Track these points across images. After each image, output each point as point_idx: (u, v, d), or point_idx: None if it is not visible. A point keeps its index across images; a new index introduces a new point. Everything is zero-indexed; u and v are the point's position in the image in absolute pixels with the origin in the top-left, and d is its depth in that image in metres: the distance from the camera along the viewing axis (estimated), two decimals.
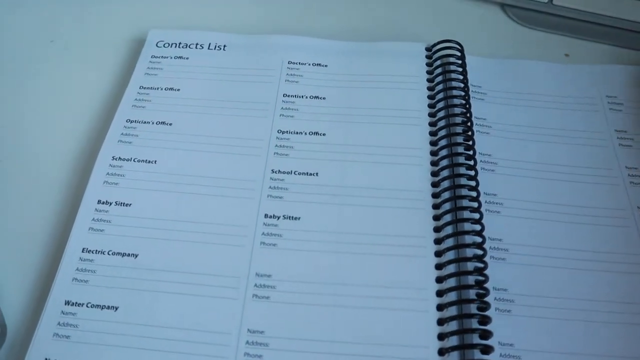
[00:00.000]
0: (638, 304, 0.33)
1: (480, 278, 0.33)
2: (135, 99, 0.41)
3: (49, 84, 0.43)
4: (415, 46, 0.43)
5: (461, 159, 0.37)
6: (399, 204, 0.36)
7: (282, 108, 0.40)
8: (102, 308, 0.32)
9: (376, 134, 0.39)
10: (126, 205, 0.36)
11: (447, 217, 0.35)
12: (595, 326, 0.32)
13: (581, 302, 0.33)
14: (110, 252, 0.34)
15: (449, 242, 0.34)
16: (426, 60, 0.43)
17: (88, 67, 0.44)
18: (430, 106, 0.40)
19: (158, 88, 0.41)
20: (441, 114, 0.39)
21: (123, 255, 0.34)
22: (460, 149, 0.37)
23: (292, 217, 0.35)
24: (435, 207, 0.36)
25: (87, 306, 0.32)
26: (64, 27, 0.47)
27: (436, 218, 0.35)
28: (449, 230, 0.34)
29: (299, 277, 0.33)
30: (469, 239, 0.34)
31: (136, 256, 0.34)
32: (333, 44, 0.44)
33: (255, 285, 0.33)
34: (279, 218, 0.35)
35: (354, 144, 0.38)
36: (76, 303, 0.32)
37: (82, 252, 0.34)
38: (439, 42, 0.43)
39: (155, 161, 0.38)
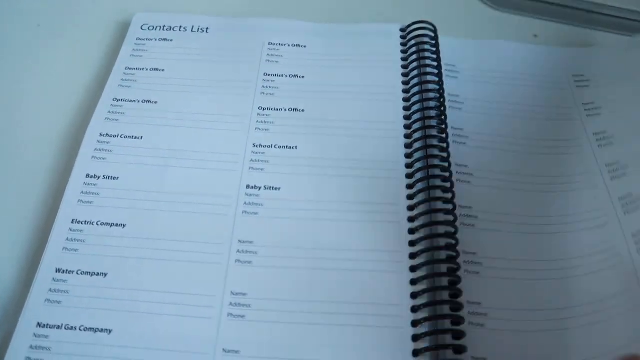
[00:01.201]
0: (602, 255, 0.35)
1: (451, 241, 0.35)
2: (122, 79, 0.42)
3: (37, 67, 0.45)
4: (390, 27, 0.45)
5: (434, 132, 0.39)
6: (374, 174, 0.38)
7: (263, 87, 0.42)
8: (92, 275, 0.34)
9: (353, 109, 0.41)
10: (114, 178, 0.37)
11: (420, 185, 0.37)
12: (556, 283, 0.34)
13: (545, 263, 0.35)
14: (98, 223, 0.36)
15: (421, 208, 0.36)
16: (401, 41, 0.45)
17: (75, 50, 0.46)
18: (405, 83, 0.42)
19: (143, 69, 0.43)
20: (415, 89, 0.41)
21: (111, 225, 0.35)
22: (433, 123, 0.39)
23: (273, 187, 0.37)
24: (409, 176, 0.38)
25: (77, 273, 0.34)
26: (50, 11, 0.48)
27: (409, 187, 0.37)
28: (421, 197, 0.36)
29: (279, 243, 0.35)
30: (440, 205, 0.36)
31: (124, 226, 0.35)
32: (311, 26, 0.45)
33: (238, 251, 0.35)
34: (260, 189, 0.37)
35: (331, 119, 0.40)
36: (67, 270, 0.34)
37: (72, 223, 0.35)
38: (413, 23, 0.45)
39: (142, 137, 0.39)
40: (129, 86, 0.42)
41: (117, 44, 0.45)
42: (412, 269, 0.34)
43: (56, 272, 0.34)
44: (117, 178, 0.37)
